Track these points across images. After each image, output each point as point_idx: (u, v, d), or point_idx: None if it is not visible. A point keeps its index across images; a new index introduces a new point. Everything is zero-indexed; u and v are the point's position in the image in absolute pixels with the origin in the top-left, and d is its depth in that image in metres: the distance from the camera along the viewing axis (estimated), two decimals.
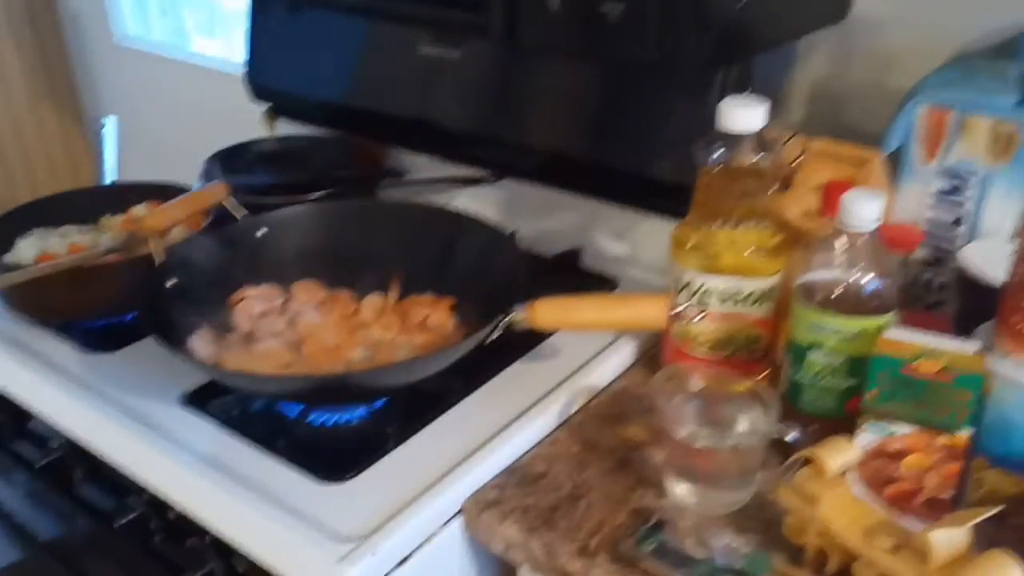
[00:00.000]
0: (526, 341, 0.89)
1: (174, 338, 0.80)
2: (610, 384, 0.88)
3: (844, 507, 0.64)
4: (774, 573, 0.65)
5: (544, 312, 0.79)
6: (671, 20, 0.76)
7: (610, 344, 0.91)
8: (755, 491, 0.73)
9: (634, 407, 0.85)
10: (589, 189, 1.07)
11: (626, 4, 0.75)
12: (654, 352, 0.90)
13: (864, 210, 0.69)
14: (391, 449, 0.77)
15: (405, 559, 0.71)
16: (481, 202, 1.15)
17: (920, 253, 0.87)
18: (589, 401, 0.85)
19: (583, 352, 0.90)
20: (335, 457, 0.76)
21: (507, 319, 0.78)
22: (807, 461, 0.66)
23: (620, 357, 0.90)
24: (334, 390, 0.76)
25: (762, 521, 0.71)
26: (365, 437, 0.80)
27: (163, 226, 0.87)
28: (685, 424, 0.73)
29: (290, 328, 0.87)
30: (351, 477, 0.74)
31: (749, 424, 0.72)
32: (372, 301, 0.91)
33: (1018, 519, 0.68)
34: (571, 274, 1.05)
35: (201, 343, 0.82)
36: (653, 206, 1.02)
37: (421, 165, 1.21)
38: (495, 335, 0.80)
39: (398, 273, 0.92)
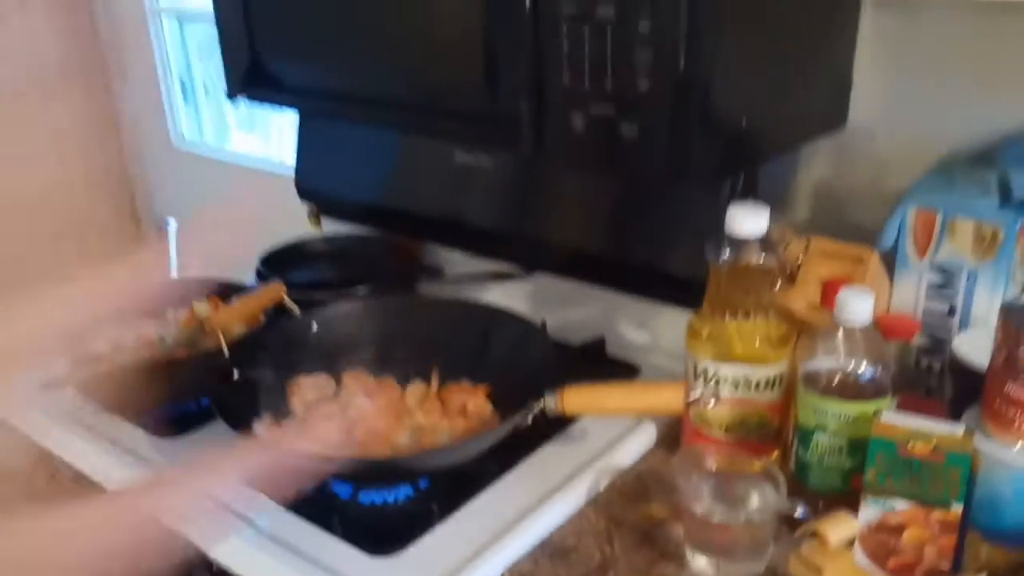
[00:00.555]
0: (556, 424, 0.97)
1: (239, 424, 0.89)
2: (634, 464, 0.96)
3: (845, 574, 0.70)
4: None
5: (573, 398, 0.87)
6: (680, 139, 0.86)
7: (633, 428, 0.98)
8: (767, 563, 0.80)
9: (656, 486, 0.92)
10: (612, 282, 1.17)
11: (640, 126, 0.85)
12: (674, 435, 0.97)
13: (856, 306, 0.78)
14: (434, 526, 0.84)
15: None
16: (512, 296, 1.24)
17: (918, 341, 0.94)
18: (614, 480, 0.93)
19: (608, 435, 0.97)
20: (384, 533, 0.84)
21: (540, 405, 0.86)
22: (814, 534, 0.73)
23: (643, 439, 0.98)
24: (383, 471, 0.84)
25: None
26: (410, 515, 0.88)
27: (231, 322, 0.97)
28: (702, 501, 0.80)
29: (342, 413, 0.96)
30: (399, 551, 0.81)
31: (761, 500, 0.79)
32: (415, 389, 1.00)
33: None
34: (597, 362, 1.14)
35: (263, 428, 0.91)
36: (670, 298, 1.11)
37: (456, 261, 1.31)
38: (529, 420, 0.88)
39: (438, 362, 1.01)
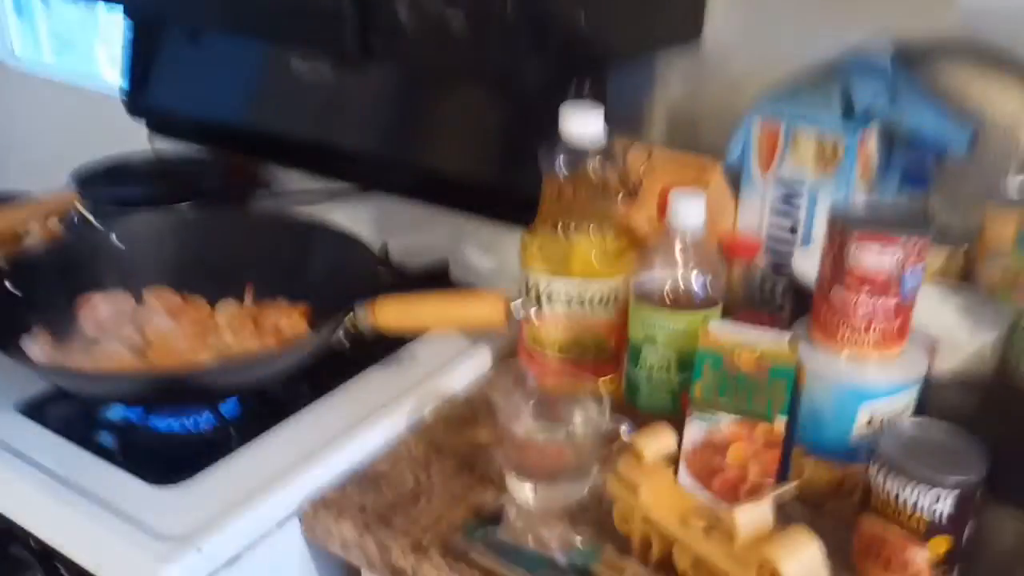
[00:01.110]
0: (383, 348, 0.89)
1: (8, 341, 0.78)
2: (466, 391, 0.89)
3: (663, 494, 0.66)
4: (604, 563, 0.66)
5: (386, 311, 0.80)
6: (510, 31, 0.78)
7: (467, 351, 0.92)
8: (591, 486, 0.74)
9: (487, 412, 0.86)
10: (458, 204, 1.09)
11: (466, 15, 0.77)
12: (513, 358, 0.91)
13: (687, 208, 0.72)
14: (230, 453, 0.76)
15: (235, 558, 0.69)
16: (354, 219, 1.15)
17: (762, 261, 0.90)
18: (442, 407, 0.86)
19: (439, 359, 0.90)
20: (172, 462, 0.75)
21: (349, 318, 0.78)
22: (630, 450, 0.67)
23: (476, 364, 0.91)
24: (170, 389, 0.75)
25: (597, 514, 0.72)
26: (207, 443, 0.79)
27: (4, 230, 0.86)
28: (522, 420, 0.74)
29: (138, 333, 0.86)
30: (184, 480, 0.72)
31: (584, 420, 0.74)
32: (226, 308, 0.90)
33: (835, 504, 0.71)
34: (440, 286, 1.06)
35: (36, 345, 0.80)
36: (518, 220, 1.04)
37: (294, 181, 1.21)
38: (343, 337, 0.80)
39: (252, 280, 0.91)
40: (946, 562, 0.63)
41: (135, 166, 1.23)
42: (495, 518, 0.70)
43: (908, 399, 0.69)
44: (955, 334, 0.74)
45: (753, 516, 0.60)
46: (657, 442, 0.66)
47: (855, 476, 0.70)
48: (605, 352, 0.85)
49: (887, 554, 0.64)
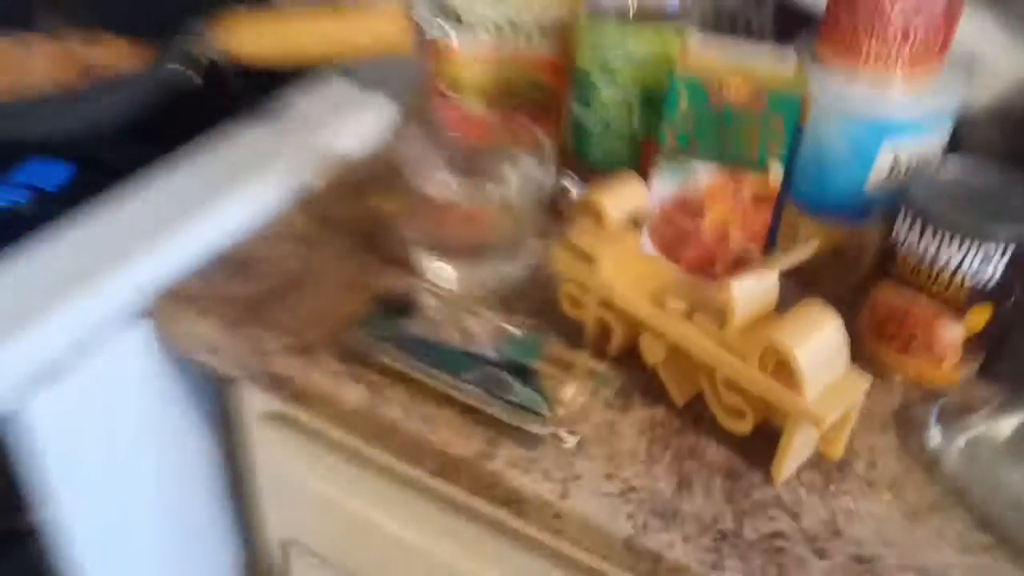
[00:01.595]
0: (255, 93, 0.68)
1: None
2: (364, 148, 0.70)
3: (629, 266, 0.50)
4: (547, 359, 0.51)
5: (244, 33, 0.58)
6: None
7: (362, 95, 0.72)
8: (528, 263, 0.58)
9: (390, 174, 0.67)
10: None
11: None
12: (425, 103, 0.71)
13: None
14: (48, 233, 0.56)
15: (61, 369, 0.52)
16: None
17: None
18: (332, 169, 0.67)
19: (326, 106, 0.70)
20: None
21: (192, 42, 0.57)
22: (586, 210, 0.51)
23: (376, 113, 0.71)
24: None
25: (536, 300, 0.56)
26: (16, 220, 0.58)
27: None
28: (439, 180, 0.56)
29: None
30: None
31: (519, 177, 0.56)
32: (34, 43, 0.67)
33: (834, 277, 0.56)
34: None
35: None
36: None
37: None
38: (181, 68, 0.59)
39: (74, 13, 0.68)
40: (979, 340, 0.49)
41: None
42: (404, 308, 0.53)
43: (941, 136, 0.53)
44: (992, 56, 0.58)
45: (753, 292, 0.45)
46: (623, 198, 0.49)
47: (865, 238, 0.55)
48: (542, 98, 0.66)
49: (909, 331, 0.50)
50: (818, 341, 0.43)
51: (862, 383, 0.44)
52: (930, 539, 0.44)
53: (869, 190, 0.53)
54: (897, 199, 0.50)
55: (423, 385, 0.49)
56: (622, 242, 0.49)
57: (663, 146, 0.54)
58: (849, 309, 0.50)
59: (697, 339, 0.46)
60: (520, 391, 0.48)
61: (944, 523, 0.45)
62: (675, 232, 0.56)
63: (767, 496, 0.45)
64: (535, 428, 0.47)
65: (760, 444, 0.47)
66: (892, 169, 0.52)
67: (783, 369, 0.43)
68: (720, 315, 0.45)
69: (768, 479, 0.46)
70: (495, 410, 0.47)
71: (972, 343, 0.49)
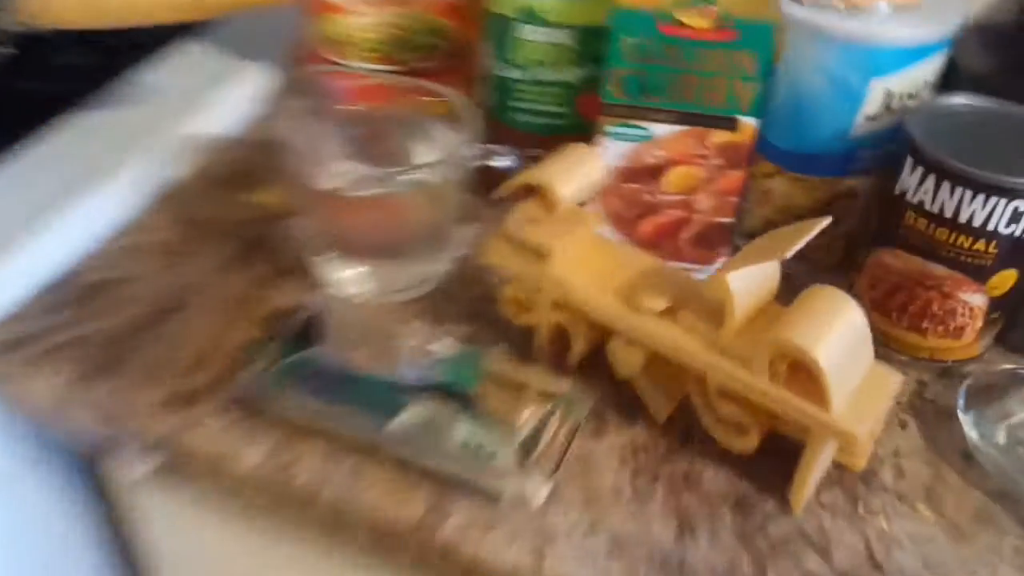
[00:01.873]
0: (96, 73, 0.55)
1: None
2: (237, 132, 0.57)
3: (588, 258, 0.40)
4: (491, 380, 0.41)
5: None
6: None
7: (234, 73, 0.59)
8: (455, 259, 0.48)
9: (273, 165, 0.55)
10: None
11: None
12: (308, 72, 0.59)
13: None
14: None
15: None
16: None
17: None
18: (199, 161, 0.54)
19: (190, 88, 0.57)
20: None
21: None
22: (529, 193, 0.40)
23: (251, 91, 0.59)
24: None
25: (469, 300, 0.46)
26: None
27: None
28: (332, 167, 0.44)
29: None
30: None
31: (433, 151, 0.45)
32: None
33: (812, 242, 0.48)
34: None
35: None
36: None
37: None
38: None
39: None
40: (999, 306, 0.42)
41: None
42: (305, 332, 0.42)
43: (935, 67, 0.45)
44: None
45: (754, 283, 0.36)
46: (575, 173, 0.38)
47: (854, 195, 0.47)
48: (449, 47, 0.54)
49: (923, 303, 0.42)
50: (840, 337, 0.34)
51: (892, 382, 0.36)
52: (983, 558, 0.36)
53: (857, 136, 0.44)
54: (897, 146, 0.41)
55: (340, 436, 0.38)
56: (577, 229, 0.39)
57: (607, 100, 0.44)
58: (829, 275, 0.41)
59: (686, 345, 0.36)
60: (464, 429, 0.38)
61: (995, 537, 0.37)
62: (629, 202, 0.47)
63: (787, 529, 0.37)
64: (490, 480, 0.36)
65: (766, 459, 0.38)
66: (884, 109, 0.44)
67: (797, 374, 0.34)
68: (712, 312, 0.36)
69: (783, 505, 0.37)
70: (434, 462, 0.37)
71: (991, 311, 0.42)
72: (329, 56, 0.55)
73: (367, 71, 0.53)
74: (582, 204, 0.42)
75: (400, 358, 0.42)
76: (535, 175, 0.37)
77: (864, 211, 0.47)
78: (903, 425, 0.41)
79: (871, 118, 0.44)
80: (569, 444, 0.38)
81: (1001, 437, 0.39)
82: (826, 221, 0.35)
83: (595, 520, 0.37)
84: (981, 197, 0.38)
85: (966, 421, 0.40)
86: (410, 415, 0.38)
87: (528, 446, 0.37)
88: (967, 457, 0.40)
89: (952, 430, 0.41)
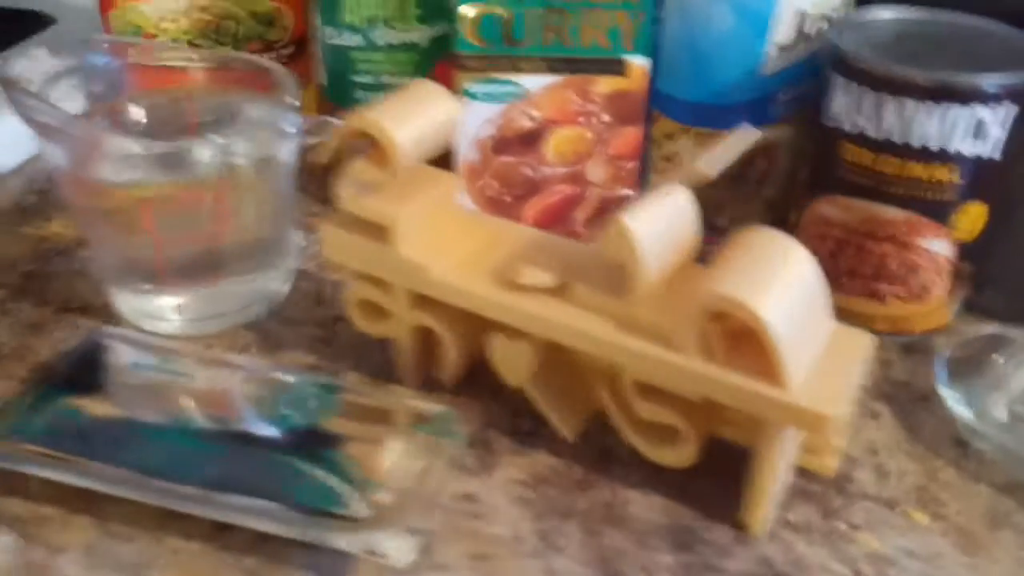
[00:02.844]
0: None
1: None
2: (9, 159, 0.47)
3: (448, 232, 0.30)
4: (346, 413, 0.31)
5: None
6: None
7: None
8: (293, 269, 0.38)
9: (53, 187, 0.44)
10: None
11: None
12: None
13: None
14: None
15: None
16: None
17: None
18: None
19: None
20: None
21: None
22: (364, 156, 0.30)
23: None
24: None
25: (315, 326, 0.36)
26: None
27: None
28: (119, 162, 0.34)
29: None
30: None
31: (252, 139, 0.35)
32: None
33: (729, 204, 0.39)
34: None
35: None
36: None
37: None
38: None
39: None
40: (973, 255, 0.34)
41: None
42: (89, 377, 0.31)
43: None
44: None
45: (662, 228, 0.27)
46: (416, 113, 0.29)
47: (771, 148, 0.39)
48: (276, 35, 0.45)
49: (876, 258, 0.34)
50: (789, 289, 0.25)
51: (862, 346, 0.27)
52: (1009, 570, 0.27)
53: (770, 73, 0.36)
54: (819, 78, 0.33)
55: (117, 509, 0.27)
56: (428, 191, 0.30)
57: (460, 49, 0.35)
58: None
59: (584, 326, 0.27)
60: (305, 477, 0.27)
61: (1016, 539, 0.28)
62: (505, 181, 0.38)
63: (747, 563, 0.27)
64: (339, 541, 0.26)
65: (711, 475, 0.29)
66: (798, 35, 0.36)
67: (738, 349, 0.25)
68: (615, 281, 0.27)
69: (739, 532, 0.28)
70: (261, 522, 0.26)
71: (960, 261, 0.34)
72: (135, 55, 0.45)
73: (168, 52, 0.44)
74: (448, 168, 0.33)
75: (226, 399, 0.31)
76: (360, 118, 0.28)
77: (789, 170, 0.39)
78: (875, 415, 0.32)
79: (784, 48, 0.36)
80: (443, 483, 0.28)
81: (1001, 413, 0.30)
82: (756, 134, 0.27)
83: None
84: (935, 108, 0.30)
85: (954, 399, 0.31)
86: (226, 467, 0.28)
87: (393, 488, 0.27)
88: (961, 444, 0.31)
89: (936, 415, 0.32)
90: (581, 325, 0.27)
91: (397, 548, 0.26)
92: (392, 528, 0.26)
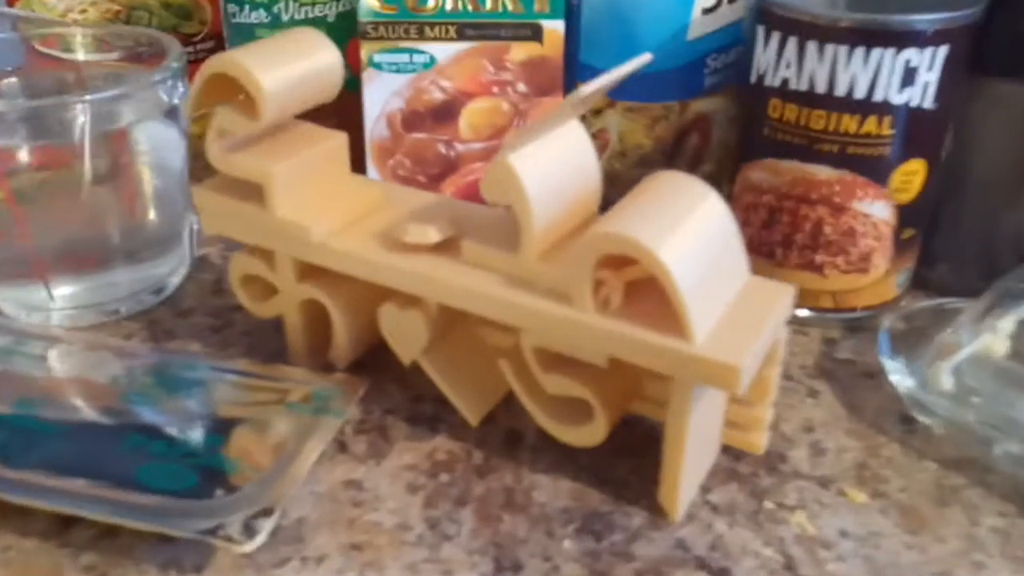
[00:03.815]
0: None
1: None
2: None
3: (332, 195, 0.27)
4: (218, 392, 0.28)
5: None
6: None
7: None
8: (190, 256, 0.35)
9: None
10: None
11: None
12: None
13: None
14: None
15: None
16: None
17: None
18: None
19: None
20: None
21: None
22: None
23: None
24: None
25: (209, 313, 0.33)
26: None
27: None
28: None
29: None
30: None
31: (137, 116, 0.33)
32: None
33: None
34: None
35: None
36: None
37: None
38: None
39: None
40: (914, 219, 0.31)
41: None
42: None
43: None
44: None
45: (554, 167, 0.24)
46: (287, 56, 0.26)
47: (704, 121, 0.37)
48: (180, 14, 0.43)
49: (811, 228, 0.31)
50: (693, 232, 0.22)
51: (781, 299, 0.24)
52: (957, 550, 0.24)
53: (698, 38, 0.34)
54: (747, 31, 0.31)
55: None
56: (310, 148, 0.27)
57: (363, 18, 0.33)
58: None
59: (473, 284, 0.24)
60: (158, 462, 0.24)
61: (966, 519, 0.25)
62: (419, 160, 0.35)
63: (663, 548, 0.24)
64: (181, 525, 0.23)
65: (627, 459, 0.26)
66: None
67: (640, 301, 0.23)
68: (507, 234, 0.24)
69: (656, 516, 0.25)
70: (97, 512, 0.23)
71: (902, 225, 0.31)
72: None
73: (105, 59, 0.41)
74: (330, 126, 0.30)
75: (98, 389, 0.28)
76: (222, 59, 0.25)
77: (725, 143, 0.37)
78: (813, 394, 0.30)
79: (709, 10, 0.34)
80: (311, 463, 0.25)
81: (946, 382, 0.27)
82: (647, 57, 0.24)
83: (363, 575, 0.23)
84: (860, 52, 0.28)
85: (896, 370, 0.28)
86: (71, 451, 0.25)
87: (247, 473, 0.24)
88: (907, 421, 0.28)
89: (882, 392, 0.29)
90: (470, 283, 0.24)
91: (242, 532, 0.22)
92: (240, 511, 0.23)
